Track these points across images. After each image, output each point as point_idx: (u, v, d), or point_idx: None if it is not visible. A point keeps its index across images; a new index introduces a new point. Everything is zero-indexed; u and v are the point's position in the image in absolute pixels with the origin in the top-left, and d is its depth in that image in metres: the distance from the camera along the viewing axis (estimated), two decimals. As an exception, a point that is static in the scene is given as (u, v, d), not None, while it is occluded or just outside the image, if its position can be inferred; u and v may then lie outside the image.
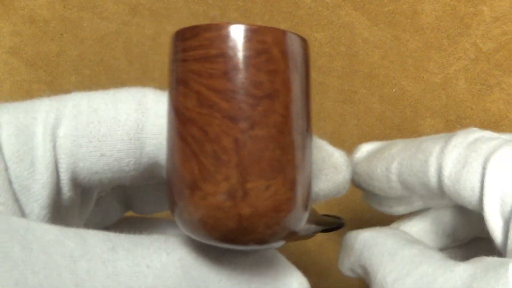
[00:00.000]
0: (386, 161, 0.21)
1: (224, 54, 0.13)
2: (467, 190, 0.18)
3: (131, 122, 0.16)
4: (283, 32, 0.14)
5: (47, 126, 0.16)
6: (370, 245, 0.19)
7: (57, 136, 0.16)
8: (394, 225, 0.24)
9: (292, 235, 0.14)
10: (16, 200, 0.15)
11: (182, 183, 0.13)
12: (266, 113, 0.13)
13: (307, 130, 0.14)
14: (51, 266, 0.13)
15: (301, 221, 0.14)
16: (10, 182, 0.15)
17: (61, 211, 0.17)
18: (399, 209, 0.23)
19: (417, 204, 0.23)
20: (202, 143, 0.13)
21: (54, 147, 0.16)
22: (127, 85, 0.33)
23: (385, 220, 0.25)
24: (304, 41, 0.14)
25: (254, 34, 0.13)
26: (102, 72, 0.32)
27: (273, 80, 0.13)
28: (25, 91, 0.32)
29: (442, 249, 0.23)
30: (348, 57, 0.33)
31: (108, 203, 0.20)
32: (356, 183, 0.23)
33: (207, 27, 0.13)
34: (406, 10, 0.34)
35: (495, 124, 0.34)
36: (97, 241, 0.14)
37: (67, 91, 0.33)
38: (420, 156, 0.19)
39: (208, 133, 0.13)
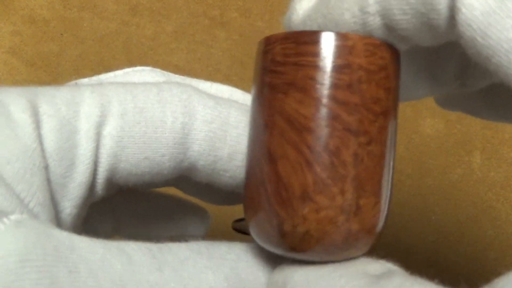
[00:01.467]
0: None
1: (349, 66, 0.13)
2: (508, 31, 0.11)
3: (178, 126, 0.15)
4: (397, 50, 0.13)
5: (91, 123, 0.15)
6: None
7: (101, 135, 0.15)
8: None
9: None
10: (52, 199, 0.14)
11: (289, 193, 0.13)
12: (381, 129, 0.13)
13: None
14: None
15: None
16: (48, 181, 0.14)
17: (85, 207, 0.16)
18: None
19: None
20: (319, 154, 0.12)
21: (97, 147, 0.15)
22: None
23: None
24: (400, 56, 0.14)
25: (377, 49, 0.13)
26: (102, 72, 0.32)
27: (387, 97, 0.13)
28: (25, 91, 0.32)
29: (445, 96, 0.17)
30: (348, 57, 0.33)
31: (97, 221, 0.19)
32: None
33: (331, 36, 0.13)
34: (406, 10, 0.34)
35: (495, 124, 0.34)
36: (142, 258, 0.13)
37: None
38: None
39: (328, 144, 0.12)
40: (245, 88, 0.34)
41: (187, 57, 0.33)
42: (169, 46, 0.33)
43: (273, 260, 0.15)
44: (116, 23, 0.33)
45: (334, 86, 0.13)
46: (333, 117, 0.12)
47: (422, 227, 0.32)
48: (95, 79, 0.17)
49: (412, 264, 0.14)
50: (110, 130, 0.15)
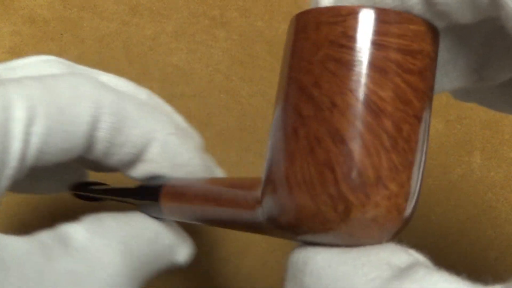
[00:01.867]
0: None
1: (422, 52, 0.12)
2: None
3: (89, 120, 0.18)
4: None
5: (21, 125, 0.17)
6: (327, 284, 0.12)
7: (29, 134, 0.17)
8: None
9: None
10: None
11: (363, 178, 0.12)
12: (429, 119, 0.13)
13: None
14: (25, 285, 0.14)
15: None
16: None
17: None
18: None
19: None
20: (395, 140, 0.12)
21: (26, 145, 0.17)
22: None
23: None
24: None
25: (437, 38, 0.13)
26: (102, 72, 0.32)
27: (433, 87, 0.13)
28: (25, 91, 0.32)
29: (463, 89, 0.17)
30: (348, 57, 0.33)
31: None
32: None
33: (411, 19, 0.12)
34: (406, 10, 0.34)
35: (495, 124, 0.34)
36: (56, 246, 0.16)
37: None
38: None
39: (402, 130, 0.12)
40: (246, 88, 0.34)
41: (187, 57, 0.33)
42: (169, 46, 0.33)
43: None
44: (116, 23, 0.33)
45: (410, 71, 0.12)
46: (407, 103, 0.12)
47: (422, 227, 0.32)
48: (5, 66, 0.20)
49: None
50: (37, 129, 0.17)
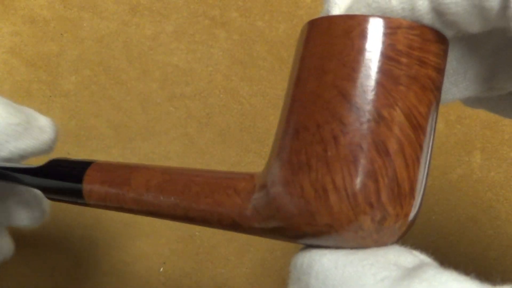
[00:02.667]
0: None
1: (444, 70, 0.13)
2: None
3: None
4: None
5: None
6: (334, 285, 0.12)
7: None
8: None
9: None
10: None
11: (401, 189, 0.12)
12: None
13: None
14: None
15: None
16: None
17: None
18: None
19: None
20: (425, 152, 0.13)
21: None
22: (127, 85, 0.33)
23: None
24: None
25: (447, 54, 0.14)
26: (102, 72, 0.32)
27: None
28: (25, 91, 0.32)
29: (473, 97, 0.17)
30: (348, 57, 0.33)
31: None
32: None
33: (443, 39, 0.13)
34: (406, 10, 0.34)
35: (495, 124, 0.34)
36: None
37: (67, 91, 0.33)
38: None
39: (429, 145, 0.13)
40: (246, 88, 0.34)
41: (187, 57, 0.33)
42: (169, 46, 0.33)
43: None
44: (116, 23, 0.33)
45: (438, 89, 0.13)
46: (434, 118, 0.13)
47: (422, 227, 0.32)
48: None
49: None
50: None
